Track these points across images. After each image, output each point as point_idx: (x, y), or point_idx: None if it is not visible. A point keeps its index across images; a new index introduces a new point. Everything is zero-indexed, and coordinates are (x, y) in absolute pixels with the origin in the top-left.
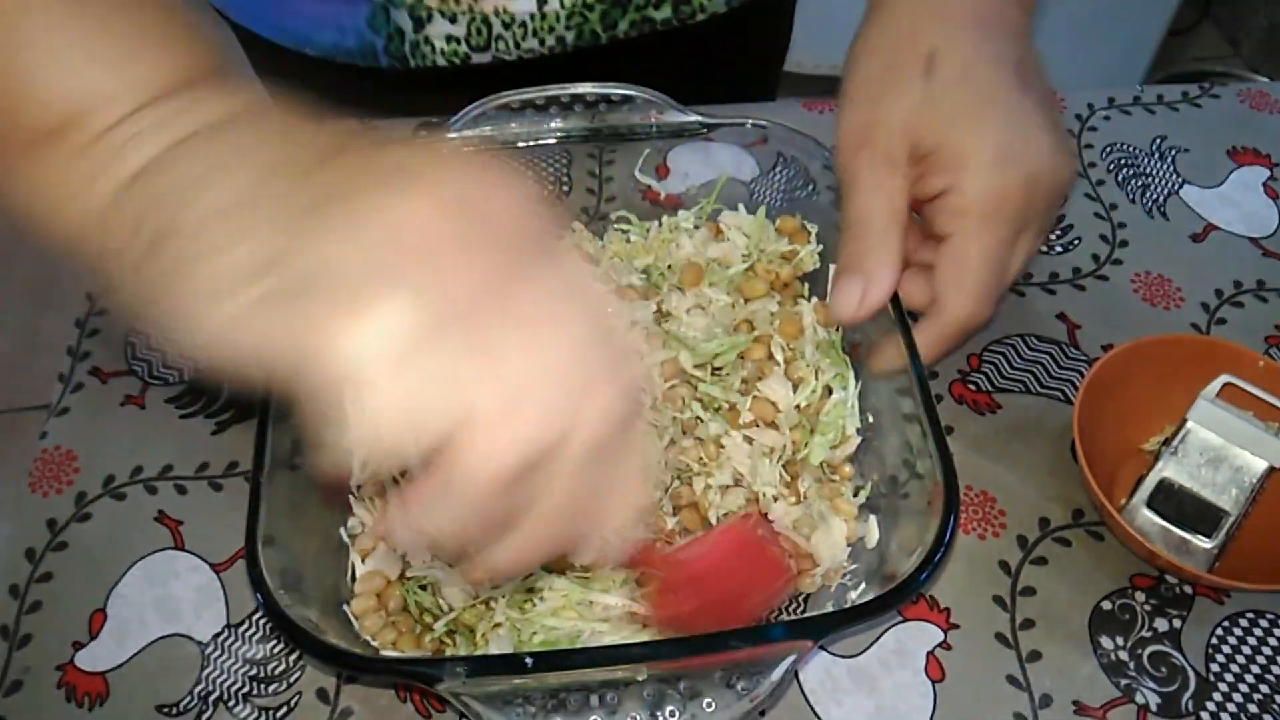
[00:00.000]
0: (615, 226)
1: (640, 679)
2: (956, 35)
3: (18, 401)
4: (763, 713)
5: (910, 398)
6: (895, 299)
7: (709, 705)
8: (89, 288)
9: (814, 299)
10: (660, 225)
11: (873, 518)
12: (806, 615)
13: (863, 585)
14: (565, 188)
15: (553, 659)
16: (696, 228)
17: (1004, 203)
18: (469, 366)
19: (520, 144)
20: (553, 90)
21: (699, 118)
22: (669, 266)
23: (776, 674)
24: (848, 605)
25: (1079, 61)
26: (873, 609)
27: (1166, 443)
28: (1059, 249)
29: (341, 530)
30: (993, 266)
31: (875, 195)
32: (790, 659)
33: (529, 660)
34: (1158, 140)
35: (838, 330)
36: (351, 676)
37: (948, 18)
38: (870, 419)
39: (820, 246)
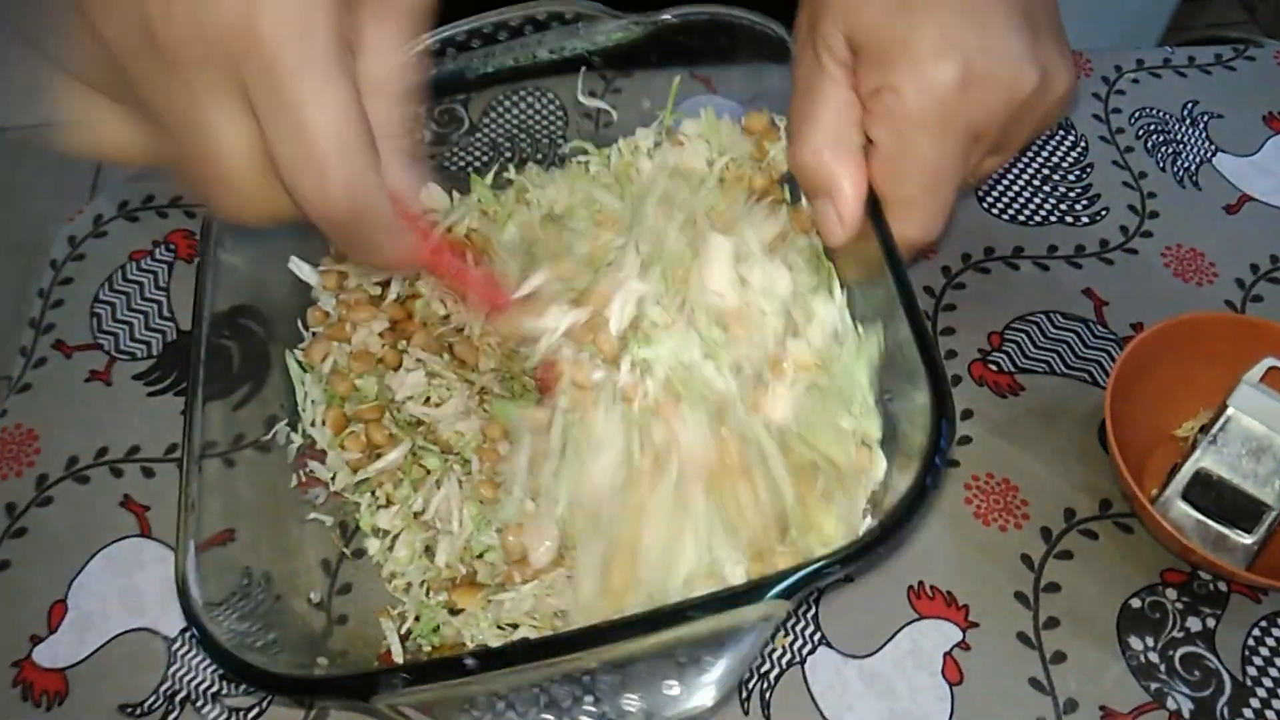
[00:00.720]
0: (574, 159)
1: (593, 667)
2: None
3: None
4: (769, 717)
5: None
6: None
7: (671, 687)
8: (54, 254)
9: (792, 204)
10: (619, 150)
11: (877, 447)
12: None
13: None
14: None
15: (496, 656)
16: (657, 144)
17: (945, 104)
18: None
19: (445, 98)
20: (473, 23)
21: (635, 16)
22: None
23: (745, 644)
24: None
25: (1093, 25)
26: (847, 555)
27: (1204, 430)
28: (1085, 220)
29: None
30: (933, 179)
31: (820, 99)
32: (759, 629)
33: (469, 662)
34: (1189, 105)
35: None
36: None
37: None
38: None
39: None
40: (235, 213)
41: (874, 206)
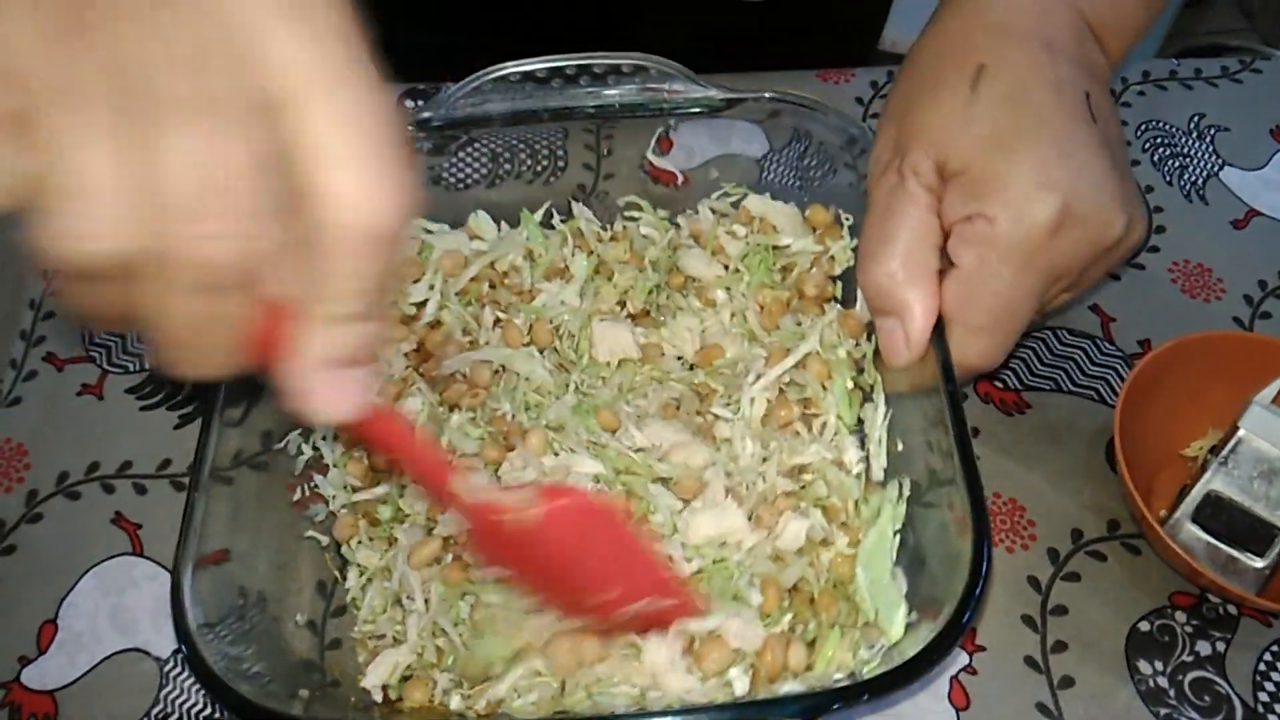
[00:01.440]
0: (625, 214)
1: None
2: (1014, 51)
3: None
4: None
5: (938, 423)
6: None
7: None
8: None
9: (837, 306)
10: (678, 227)
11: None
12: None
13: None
14: (560, 164)
15: None
16: (725, 215)
17: (1036, 240)
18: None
19: (518, 121)
20: (556, 61)
21: (718, 92)
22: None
23: None
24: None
25: None
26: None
27: (1214, 451)
28: None
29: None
30: (1007, 311)
31: (901, 220)
32: None
33: None
34: (1196, 118)
35: (869, 338)
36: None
37: (1009, 32)
38: (899, 445)
39: (855, 241)
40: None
41: (937, 329)
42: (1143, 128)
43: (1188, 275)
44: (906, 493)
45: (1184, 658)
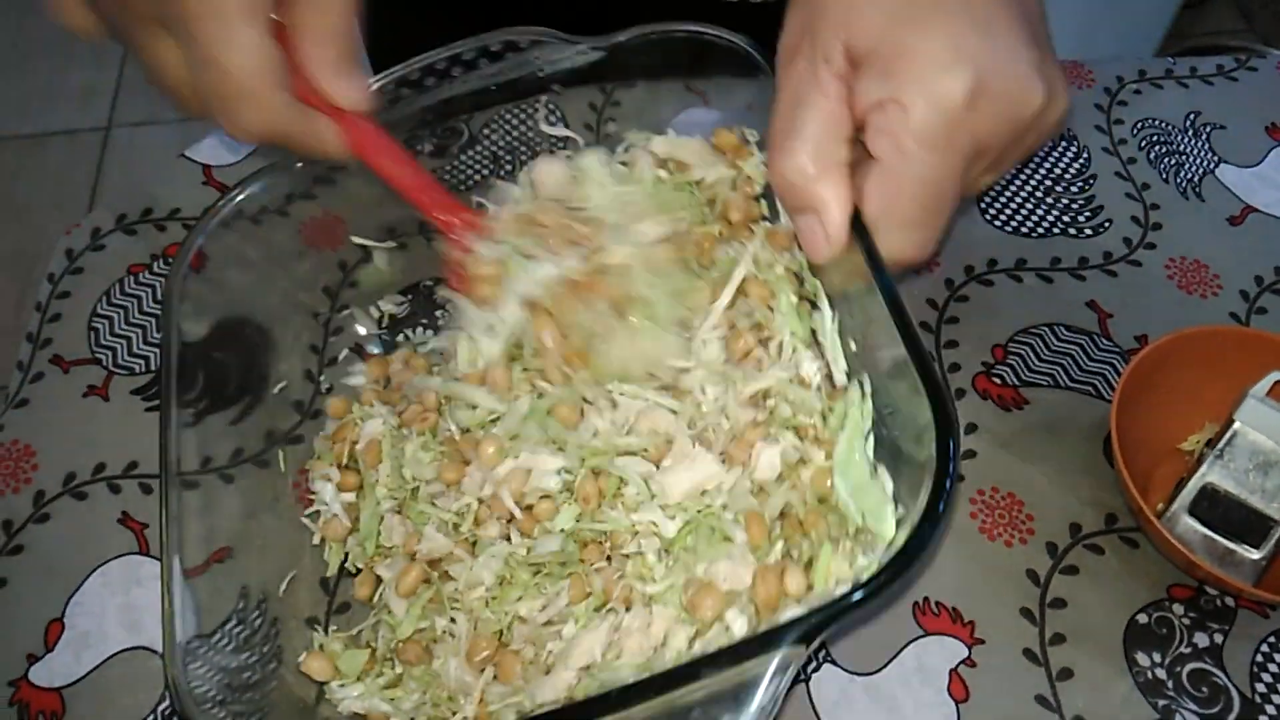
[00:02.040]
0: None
1: None
2: None
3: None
4: None
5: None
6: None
7: None
8: (51, 268)
9: (765, 224)
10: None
11: (882, 469)
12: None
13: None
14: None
15: None
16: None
17: (952, 117)
18: None
19: (428, 118)
20: (450, 50)
21: (586, 45)
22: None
23: (763, 697)
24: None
25: (1092, 33)
26: (853, 602)
27: (1210, 444)
28: (1088, 231)
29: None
30: (934, 198)
31: (808, 111)
32: (775, 680)
33: None
34: (1191, 116)
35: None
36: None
37: None
38: (853, 345)
39: (765, 154)
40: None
41: (857, 220)
42: (1139, 125)
43: (1184, 272)
44: (869, 389)
45: (1182, 649)
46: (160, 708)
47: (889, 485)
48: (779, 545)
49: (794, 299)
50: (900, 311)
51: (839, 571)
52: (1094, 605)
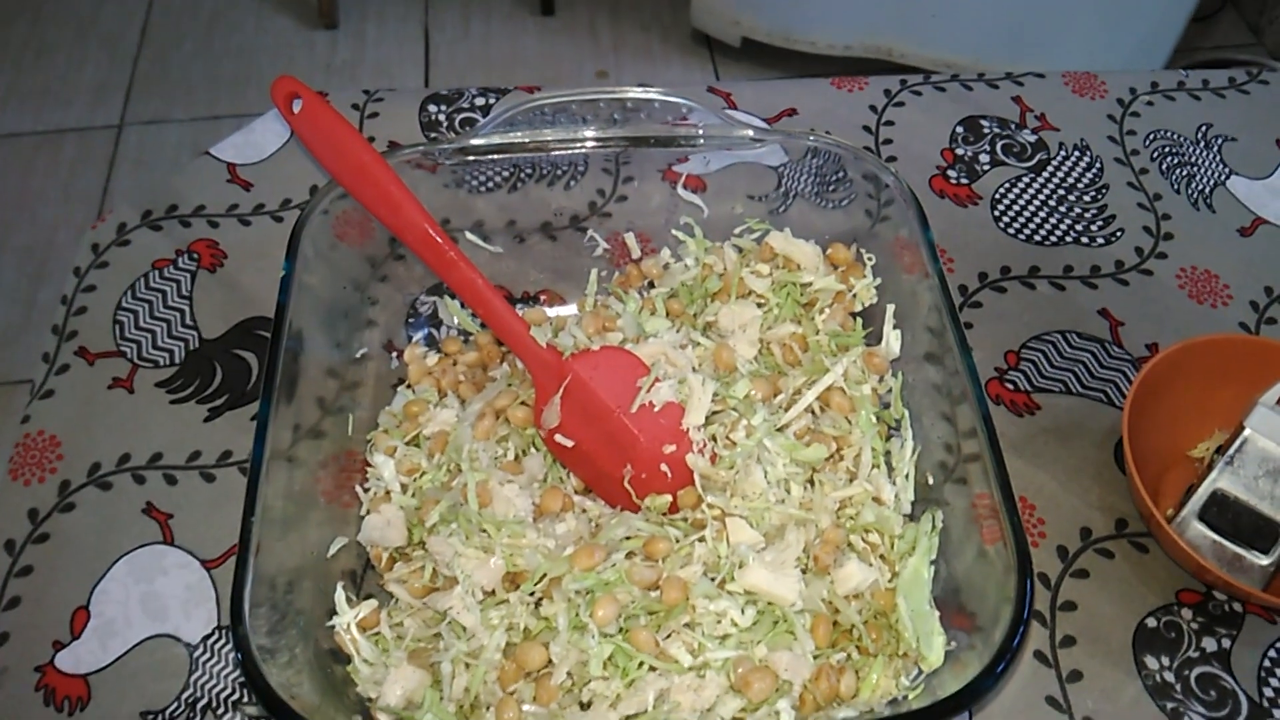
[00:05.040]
0: (675, 234)
1: None
2: None
3: (7, 374)
4: None
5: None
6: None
7: None
8: (77, 261)
9: (859, 347)
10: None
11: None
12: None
13: None
14: (581, 170)
15: None
16: (740, 250)
17: None
18: None
19: (553, 151)
20: (589, 94)
21: (751, 131)
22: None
23: None
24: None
25: (1102, 46)
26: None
27: (1220, 451)
28: (1100, 240)
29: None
30: None
31: None
32: None
33: None
34: (1203, 128)
35: (894, 375)
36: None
37: None
38: (929, 480)
39: (879, 280)
40: None
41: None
42: (1151, 137)
43: (1195, 281)
44: (939, 525)
45: (1190, 653)
46: (184, 695)
47: (937, 614)
48: (841, 650)
49: (874, 420)
50: (1002, 471)
51: (885, 686)
52: (1104, 609)
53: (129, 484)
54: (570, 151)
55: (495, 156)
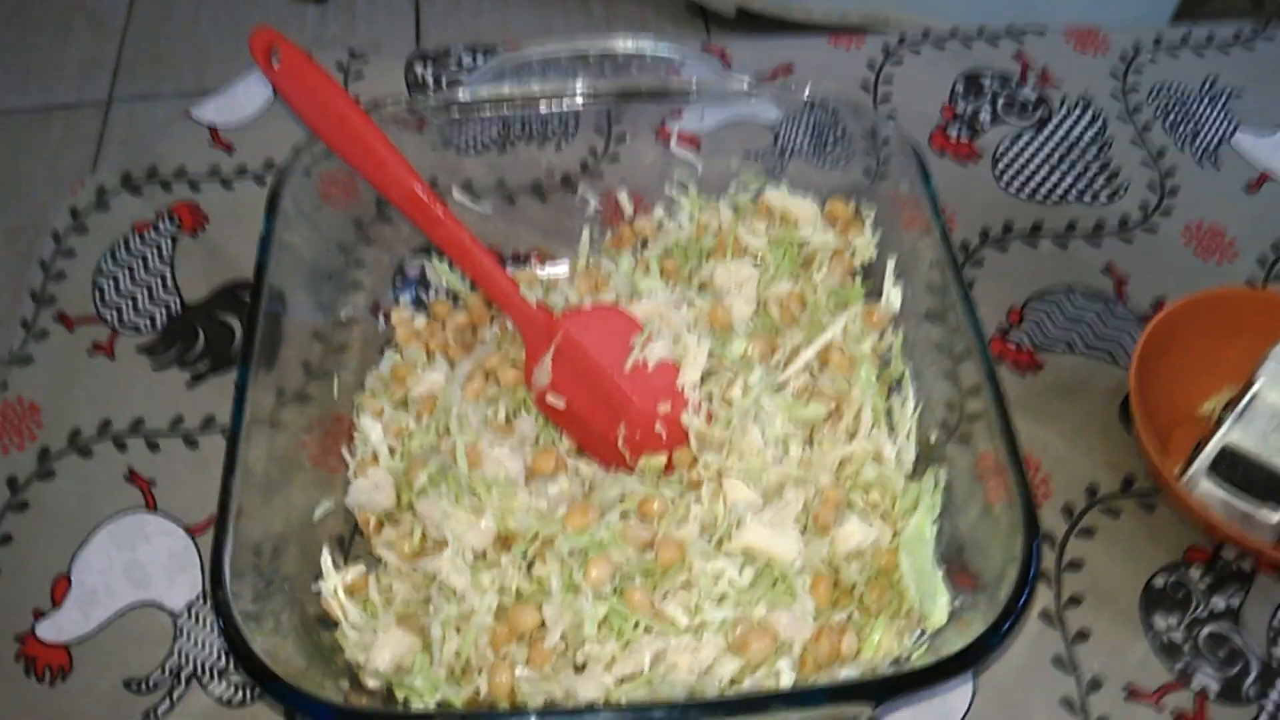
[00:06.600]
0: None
1: None
2: None
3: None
4: None
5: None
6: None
7: None
8: (55, 226)
9: (859, 304)
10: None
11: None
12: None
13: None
14: (571, 131)
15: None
16: (735, 209)
17: None
18: None
19: (541, 106)
20: (580, 45)
21: (745, 86)
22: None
23: None
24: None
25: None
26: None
27: (1230, 405)
28: (1104, 198)
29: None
30: None
31: None
32: None
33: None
34: (1208, 82)
35: (894, 331)
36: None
37: None
38: (931, 437)
39: (879, 234)
40: None
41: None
42: (1155, 91)
43: (1201, 238)
44: (943, 482)
45: (1199, 613)
46: (168, 663)
47: (941, 573)
48: (843, 610)
49: (874, 378)
50: (1008, 428)
51: (887, 645)
52: (1111, 568)
53: (110, 451)
54: (560, 108)
55: (483, 112)
